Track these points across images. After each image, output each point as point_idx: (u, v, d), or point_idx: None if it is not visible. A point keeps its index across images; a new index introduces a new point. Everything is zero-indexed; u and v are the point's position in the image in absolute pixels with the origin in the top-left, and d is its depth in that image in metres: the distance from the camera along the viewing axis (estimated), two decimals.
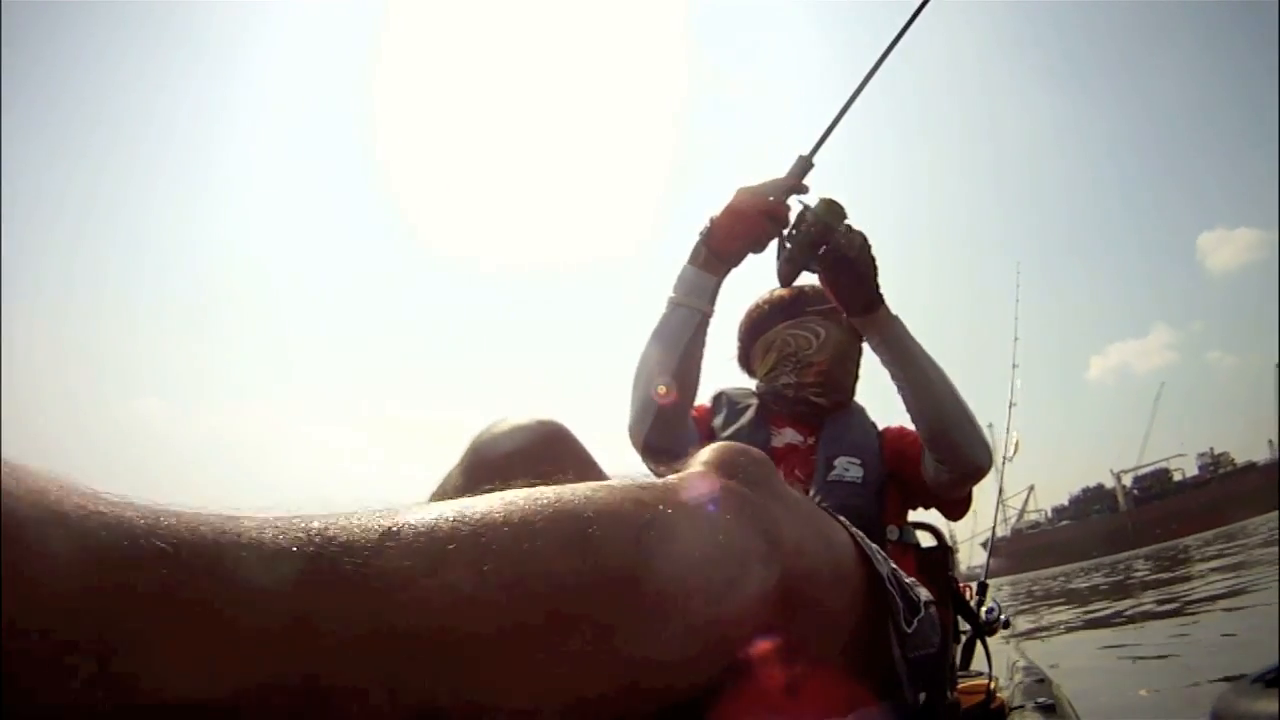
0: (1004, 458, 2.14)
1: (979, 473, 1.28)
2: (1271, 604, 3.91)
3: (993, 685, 1.34)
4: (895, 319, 1.25)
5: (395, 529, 0.36)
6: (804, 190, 1.20)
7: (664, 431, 1.21)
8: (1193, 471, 55.90)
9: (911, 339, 1.26)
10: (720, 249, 1.20)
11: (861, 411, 1.48)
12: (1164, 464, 58.67)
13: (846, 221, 1.19)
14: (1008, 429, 2.24)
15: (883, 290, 1.22)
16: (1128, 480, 58.51)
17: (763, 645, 0.82)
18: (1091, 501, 60.41)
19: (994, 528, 2.10)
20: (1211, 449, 55.17)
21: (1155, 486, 56.16)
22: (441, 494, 0.81)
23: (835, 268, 1.19)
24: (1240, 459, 53.71)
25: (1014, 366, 2.43)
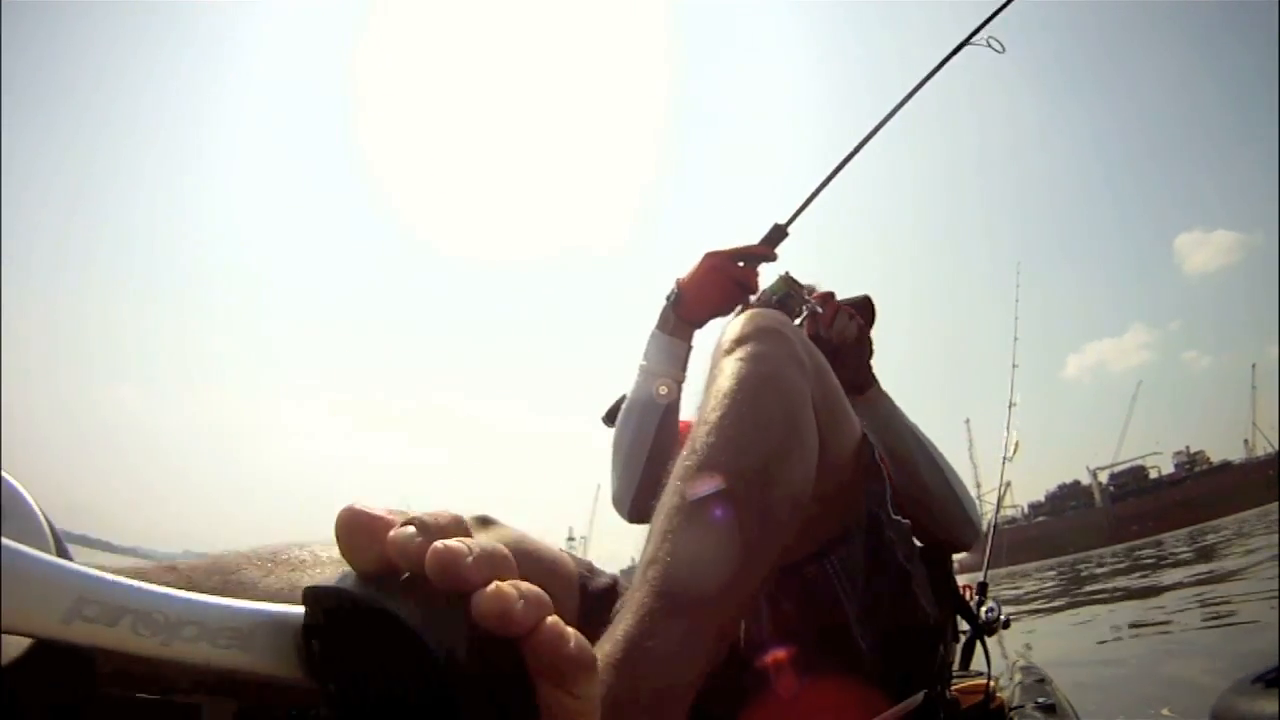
0: (1004, 457, 2.16)
1: (960, 549, 1.26)
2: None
3: (992, 685, 1.35)
4: (884, 396, 1.24)
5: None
6: (774, 259, 1.20)
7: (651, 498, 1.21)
8: (1169, 469, 56.71)
9: (900, 416, 1.24)
10: (689, 316, 1.19)
11: None
12: (1140, 462, 59.42)
13: (817, 301, 1.20)
14: (1008, 428, 2.26)
15: (874, 369, 1.24)
16: (1104, 477, 59.20)
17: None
18: (1068, 498, 61.07)
19: (993, 527, 2.11)
20: (1188, 447, 56.13)
21: (1131, 484, 56.84)
22: None
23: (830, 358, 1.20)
24: (1216, 457, 54.53)
25: (1014, 366, 2.43)
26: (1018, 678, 1.55)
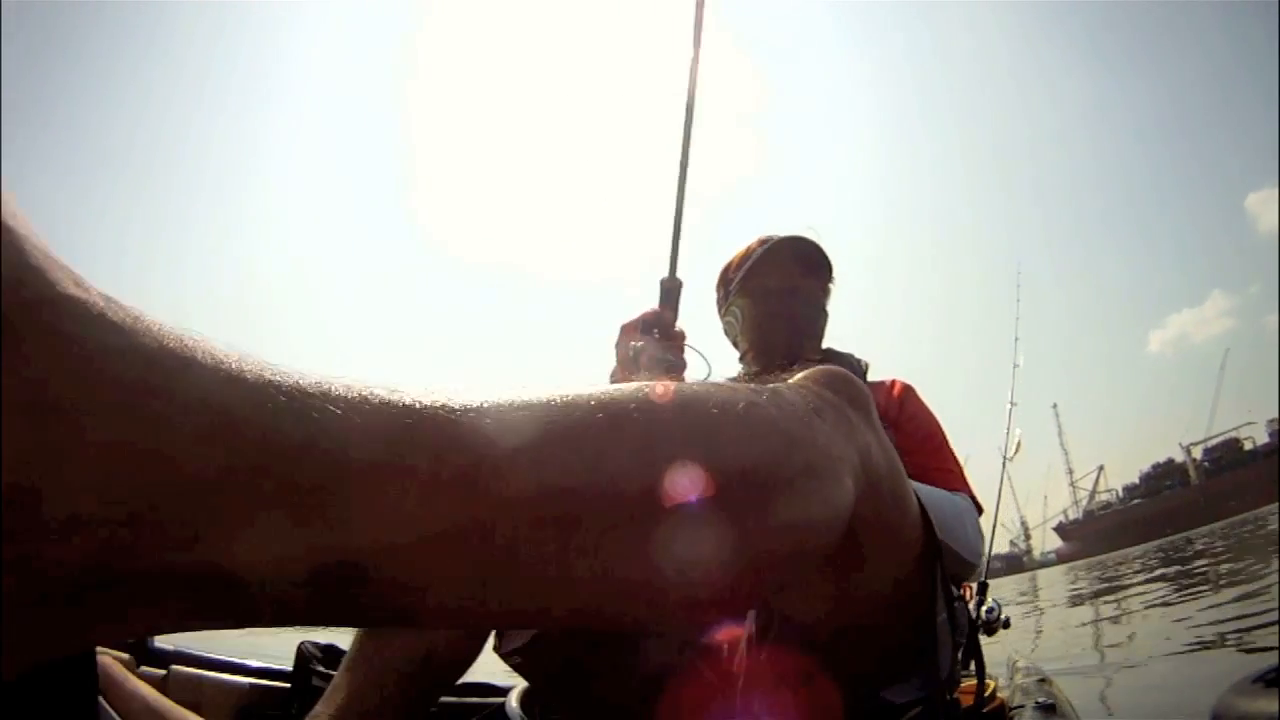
0: (1005, 457, 2.13)
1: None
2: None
3: (992, 685, 1.33)
4: None
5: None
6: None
7: None
8: (1264, 439, 53.83)
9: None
10: None
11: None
12: (1233, 434, 56.63)
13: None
14: (1009, 428, 2.23)
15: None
16: (1198, 453, 56.61)
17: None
18: (1162, 477, 58.56)
19: (993, 528, 2.08)
20: None
21: (1226, 457, 54.19)
22: None
23: None
24: None
25: (1015, 366, 2.39)
26: (1018, 678, 1.52)
